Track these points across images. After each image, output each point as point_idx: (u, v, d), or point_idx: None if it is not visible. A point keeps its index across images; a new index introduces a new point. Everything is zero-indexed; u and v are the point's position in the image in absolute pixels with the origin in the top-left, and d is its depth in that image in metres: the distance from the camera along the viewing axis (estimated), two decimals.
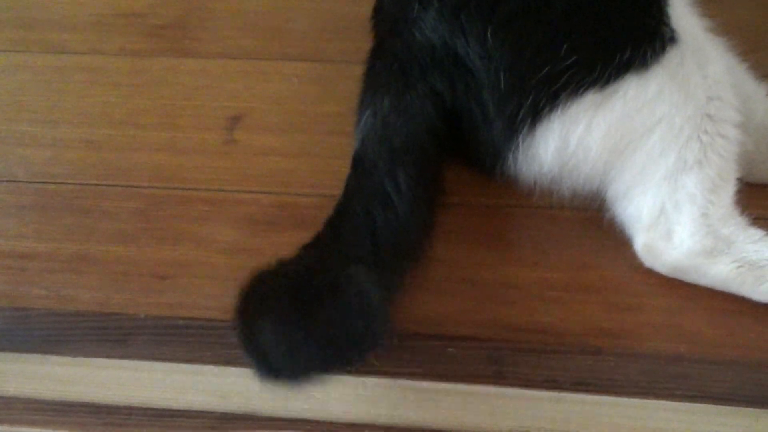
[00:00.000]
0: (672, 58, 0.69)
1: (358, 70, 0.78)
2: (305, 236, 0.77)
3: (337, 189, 0.80)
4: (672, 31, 0.70)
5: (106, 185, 0.83)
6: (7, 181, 0.84)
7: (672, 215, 0.70)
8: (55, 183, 0.83)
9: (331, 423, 0.65)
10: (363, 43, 0.80)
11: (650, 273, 0.72)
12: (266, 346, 0.60)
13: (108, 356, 0.69)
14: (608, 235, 0.74)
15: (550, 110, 0.69)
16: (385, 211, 0.68)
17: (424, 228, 0.71)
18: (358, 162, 0.72)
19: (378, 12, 0.83)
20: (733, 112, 0.71)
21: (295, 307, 0.60)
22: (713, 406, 0.65)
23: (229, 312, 0.70)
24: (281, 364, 0.60)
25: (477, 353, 0.68)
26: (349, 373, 0.66)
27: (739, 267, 0.68)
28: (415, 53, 0.73)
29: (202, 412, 0.66)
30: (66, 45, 0.98)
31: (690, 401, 0.65)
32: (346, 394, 0.66)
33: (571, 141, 0.70)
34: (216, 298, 0.73)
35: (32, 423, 0.66)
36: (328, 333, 0.60)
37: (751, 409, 0.64)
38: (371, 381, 0.66)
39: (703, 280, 0.70)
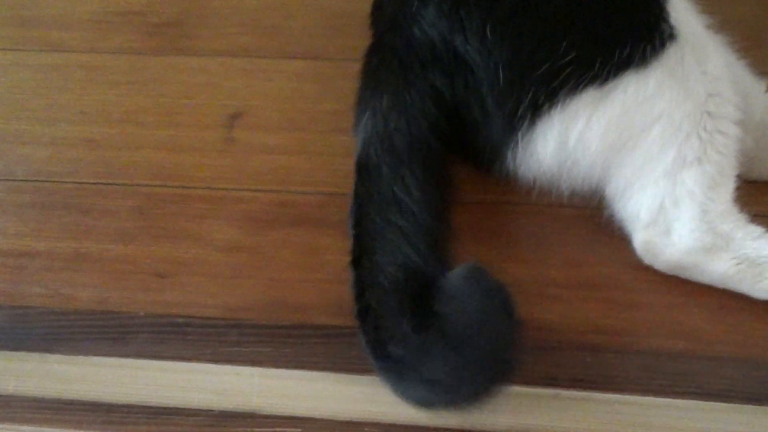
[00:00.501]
0: (671, 54, 0.69)
1: (357, 68, 0.77)
2: (304, 234, 0.77)
3: (336, 186, 0.80)
4: (671, 27, 0.69)
5: (104, 184, 0.83)
6: (5, 179, 0.84)
7: (671, 212, 0.69)
8: (53, 181, 0.83)
9: (329, 420, 0.64)
10: (362, 40, 0.80)
11: (649, 270, 0.72)
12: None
13: (107, 354, 0.69)
14: (607, 233, 0.74)
15: (550, 107, 0.69)
16: (405, 216, 0.68)
17: (444, 225, 0.70)
18: (362, 167, 0.71)
19: (377, 8, 0.83)
20: (733, 109, 0.71)
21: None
22: (712, 403, 0.64)
23: (228, 310, 0.72)
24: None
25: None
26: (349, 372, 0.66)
27: (738, 264, 0.68)
28: (415, 49, 0.73)
29: (200, 410, 0.66)
30: (65, 43, 0.98)
31: (689, 398, 0.65)
32: (345, 391, 0.66)
33: (571, 137, 0.70)
34: (215, 296, 0.73)
35: (31, 421, 0.66)
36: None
37: (750, 406, 0.64)
38: (370, 378, 0.66)
39: (702, 277, 0.70)
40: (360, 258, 0.67)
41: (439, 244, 0.68)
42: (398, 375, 0.62)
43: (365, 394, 0.66)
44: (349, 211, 0.70)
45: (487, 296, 0.62)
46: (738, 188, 0.71)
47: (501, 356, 0.61)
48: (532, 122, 0.70)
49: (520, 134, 0.71)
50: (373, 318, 0.63)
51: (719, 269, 0.69)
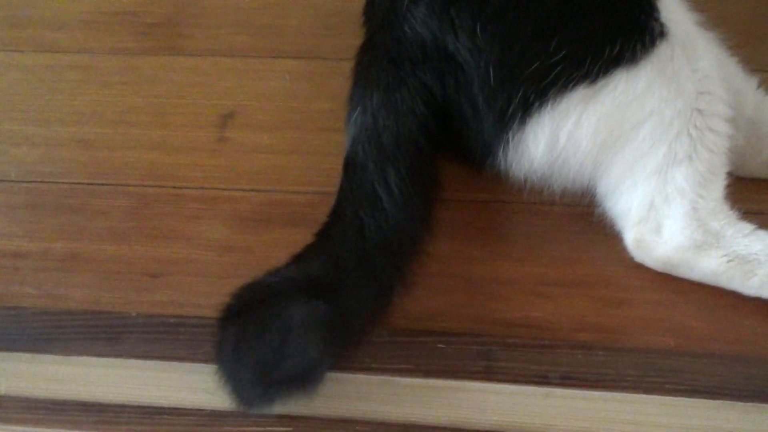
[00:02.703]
0: (662, 52, 0.69)
1: (350, 67, 0.78)
2: (297, 234, 0.77)
3: (329, 186, 0.80)
4: (662, 25, 0.69)
5: (97, 184, 0.83)
6: None
7: (662, 209, 0.70)
8: (46, 182, 0.83)
9: (321, 419, 0.65)
10: (355, 39, 0.80)
11: (640, 268, 0.72)
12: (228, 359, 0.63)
13: (100, 354, 0.70)
14: (599, 231, 0.74)
15: (540, 105, 0.69)
16: (374, 213, 0.68)
17: (421, 224, 0.71)
18: (349, 164, 0.72)
19: (369, 7, 0.82)
20: (723, 106, 0.71)
21: (251, 326, 0.63)
22: (703, 400, 0.65)
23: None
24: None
25: (467, 349, 0.68)
26: (341, 369, 0.67)
27: (729, 261, 0.68)
28: (406, 48, 0.73)
29: (193, 409, 0.66)
30: (57, 44, 0.98)
31: (680, 395, 0.65)
32: (336, 390, 0.66)
33: (561, 136, 0.70)
34: (207, 296, 0.73)
35: (24, 422, 0.66)
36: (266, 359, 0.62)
37: (740, 403, 0.64)
38: (361, 377, 0.66)
39: (693, 275, 0.70)
40: (309, 246, 0.68)
41: (403, 247, 0.69)
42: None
43: (357, 392, 0.66)
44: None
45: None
46: (729, 185, 0.71)
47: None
48: (523, 121, 0.70)
49: (510, 133, 0.71)
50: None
51: (710, 266, 0.69)
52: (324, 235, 0.69)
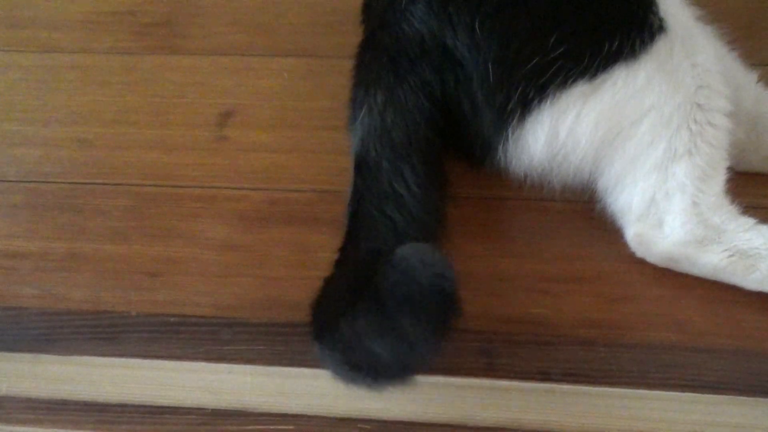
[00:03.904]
0: (661, 47, 0.69)
1: (348, 65, 0.77)
2: (296, 232, 0.77)
3: (329, 184, 0.80)
4: (660, 20, 0.69)
5: (97, 183, 0.83)
6: None
7: (662, 205, 0.69)
8: (46, 182, 0.83)
9: (323, 417, 0.65)
10: (353, 37, 0.80)
11: (642, 263, 0.72)
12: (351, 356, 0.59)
13: (100, 354, 0.69)
14: (599, 226, 0.74)
15: (540, 101, 0.69)
16: (400, 209, 0.68)
17: (439, 220, 0.71)
18: (361, 163, 0.71)
19: (367, 5, 0.82)
20: (723, 100, 0.71)
21: (369, 311, 0.59)
22: (706, 395, 0.65)
23: (221, 308, 0.71)
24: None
25: (469, 345, 0.68)
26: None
27: (731, 256, 0.68)
28: (405, 45, 0.73)
29: (193, 408, 0.66)
30: (56, 44, 0.98)
31: (682, 390, 0.65)
32: (338, 388, 0.66)
33: (561, 132, 0.70)
34: (207, 295, 0.73)
35: (25, 422, 0.66)
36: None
37: (743, 398, 0.64)
38: None
39: (695, 270, 0.70)
40: (344, 247, 0.67)
41: (428, 240, 0.68)
42: (339, 353, 0.60)
43: (358, 391, 0.65)
44: (346, 206, 0.70)
45: (425, 267, 0.60)
46: (729, 180, 0.71)
47: (432, 327, 0.60)
48: (523, 117, 0.70)
49: (510, 129, 0.71)
50: (324, 301, 0.63)
51: (711, 261, 0.69)
52: (353, 239, 0.68)
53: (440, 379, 0.66)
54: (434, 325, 0.59)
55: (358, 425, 0.64)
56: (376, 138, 0.71)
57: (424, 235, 0.68)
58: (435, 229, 0.70)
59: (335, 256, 0.67)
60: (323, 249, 0.75)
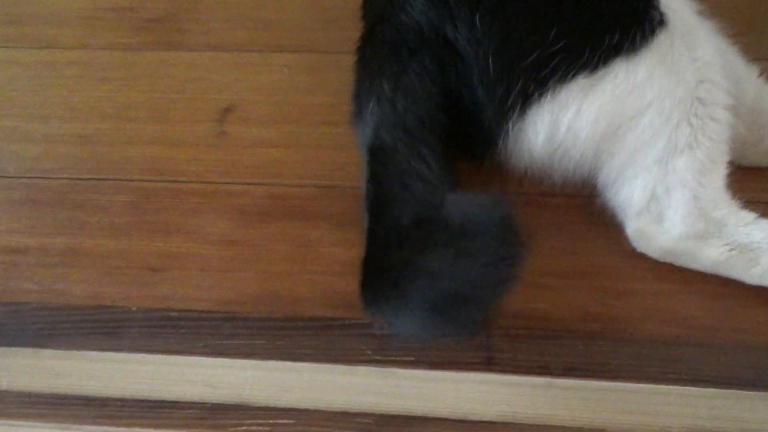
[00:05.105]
0: (661, 41, 0.69)
1: (349, 60, 0.77)
2: (297, 227, 0.77)
3: (329, 179, 0.80)
4: (661, 14, 0.69)
5: (97, 179, 0.83)
6: None
7: (663, 199, 0.69)
8: (46, 178, 0.83)
9: (323, 411, 0.64)
10: (353, 32, 0.79)
11: (642, 258, 0.72)
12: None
13: (100, 349, 0.69)
14: (600, 221, 0.74)
15: (540, 95, 0.69)
16: (424, 185, 0.67)
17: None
18: (377, 150, 0.70)
19: (367, 0, 0.82)
20: (724, 95, 0.70)
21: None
22: (706, 389, 0.64)
23: (221, 303, 0.72)
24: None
25: (469, 340, 0.67)
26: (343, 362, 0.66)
27: (731, 250, 0.68)
28: (404, 35, 0.73)
29: (194, 403, 0.66)
30: (55, 40, 0.98)
31: (683, 384, 0.65)
32: (338, 382, 0.66)
33: (561, 126, 0.70)
34: (208, 290, 0.73)
35: (25, 416, 0.66)
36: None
37: (744, 392, 0.64)
38: (362, 369, 0.66)
39: (695, 264, 0.70)
40: (372, 227, 0.66)
41: None
42: (403, 291, 0.60)
43: (358, 385, 0.66)
44: (364, 191, 0.69)
45: (492, 206, 0.63)
46: (730, 174, 0.71)
47: (503, 260, 0.61)
48: (523, 111, 0.70)
49: (510, 123, 0.71)
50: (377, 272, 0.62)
51: (712, 256, 0.69)
52: (378, 215, 0.67)
53: (441, 374, 0.66)
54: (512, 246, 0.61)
55: (358, 419, 0.64)
56: (390, 125, 0.70)
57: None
58: None
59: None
60: (323, 244, 0.75)
